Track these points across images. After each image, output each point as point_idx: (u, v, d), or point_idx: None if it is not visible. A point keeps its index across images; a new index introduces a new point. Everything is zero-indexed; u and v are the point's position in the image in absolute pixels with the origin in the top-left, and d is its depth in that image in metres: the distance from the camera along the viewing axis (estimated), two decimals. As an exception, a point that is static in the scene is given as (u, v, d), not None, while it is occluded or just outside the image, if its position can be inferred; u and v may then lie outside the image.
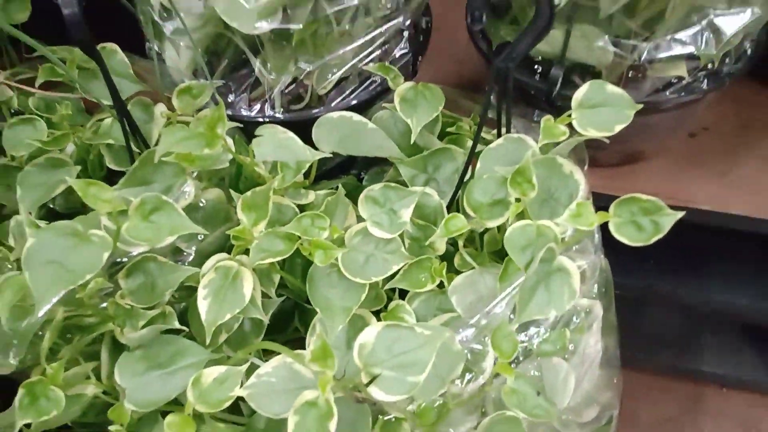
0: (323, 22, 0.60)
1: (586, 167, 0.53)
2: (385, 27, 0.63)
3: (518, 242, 0.48)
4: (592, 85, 0.51)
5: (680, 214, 0.45)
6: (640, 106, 0.52)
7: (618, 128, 0.51)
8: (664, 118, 0.66)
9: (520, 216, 0.50)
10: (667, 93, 0.62)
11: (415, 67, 0.69)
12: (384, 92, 0.68)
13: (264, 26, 0.56)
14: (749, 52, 0.64)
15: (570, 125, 0.51)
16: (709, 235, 0.82)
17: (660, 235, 0.45)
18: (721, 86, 0.63)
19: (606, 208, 0.48)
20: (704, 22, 0.57)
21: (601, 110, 0.51)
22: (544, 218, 0.49)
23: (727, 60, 0.62)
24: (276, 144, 0.50)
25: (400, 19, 0.63)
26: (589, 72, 0.62)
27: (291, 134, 0.51)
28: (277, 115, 0.66)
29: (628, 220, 0.46)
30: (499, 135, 0.56)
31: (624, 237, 0.46)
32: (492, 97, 0.52)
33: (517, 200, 0.50)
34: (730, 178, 0.74)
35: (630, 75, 0.62)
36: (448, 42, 0.71)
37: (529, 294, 0.47)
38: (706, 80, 0.62)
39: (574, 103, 0.51)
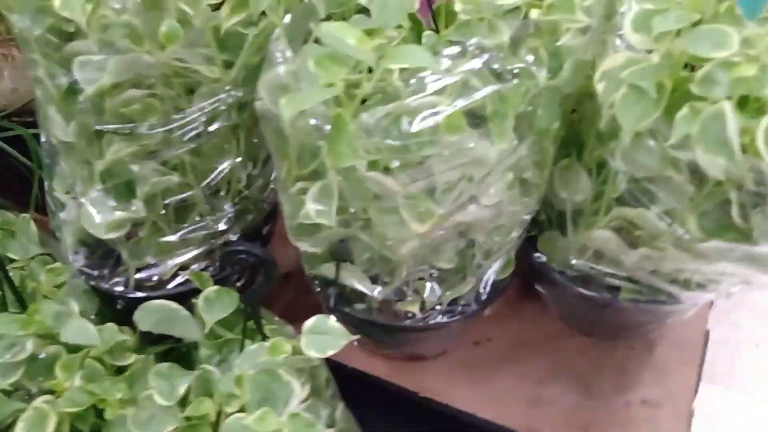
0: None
1: (303, 378, 0.71)
2: (215, 240, 0.85)
3: (233, 429, 0.67)
4: (318, 319, 0.71)
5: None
6: (356, 336, 0.71)
7: (330, 352, 0.70)
8: (424, 335, 0.85)
9: (242, 409, 0.69)
10: (408, 322, 0.81)
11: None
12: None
13: (113, 234, 0.79)
14: (485, 295, 0.83)
15: (301, 343, 0.71)
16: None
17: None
18: (455, 320, 0.81)
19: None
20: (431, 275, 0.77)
21: (322, 337, 0.71)
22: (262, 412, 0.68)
23: (462, 300, 0.82)
24: (76, 331, 0.71)
25: (230, 236, 0.85)
26: (358, 293, 0.82)
27: (89, 325, 0.72)
28: (137, 293, 0.87)
29: (296, 427, 0.65)
30: (263, 339, 0.76)
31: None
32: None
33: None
34: (490, 387, 0.91)
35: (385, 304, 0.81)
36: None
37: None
38: (440, 315, 0.81)
39: (304, 328, 0.71)
